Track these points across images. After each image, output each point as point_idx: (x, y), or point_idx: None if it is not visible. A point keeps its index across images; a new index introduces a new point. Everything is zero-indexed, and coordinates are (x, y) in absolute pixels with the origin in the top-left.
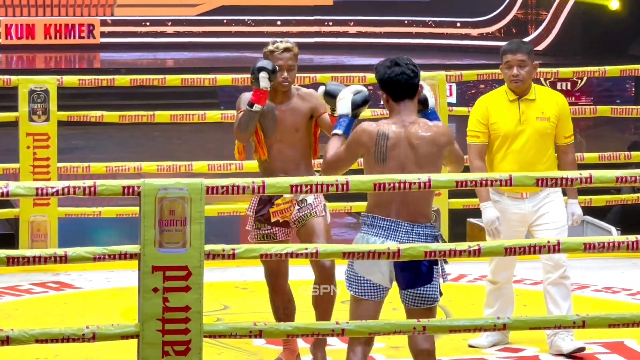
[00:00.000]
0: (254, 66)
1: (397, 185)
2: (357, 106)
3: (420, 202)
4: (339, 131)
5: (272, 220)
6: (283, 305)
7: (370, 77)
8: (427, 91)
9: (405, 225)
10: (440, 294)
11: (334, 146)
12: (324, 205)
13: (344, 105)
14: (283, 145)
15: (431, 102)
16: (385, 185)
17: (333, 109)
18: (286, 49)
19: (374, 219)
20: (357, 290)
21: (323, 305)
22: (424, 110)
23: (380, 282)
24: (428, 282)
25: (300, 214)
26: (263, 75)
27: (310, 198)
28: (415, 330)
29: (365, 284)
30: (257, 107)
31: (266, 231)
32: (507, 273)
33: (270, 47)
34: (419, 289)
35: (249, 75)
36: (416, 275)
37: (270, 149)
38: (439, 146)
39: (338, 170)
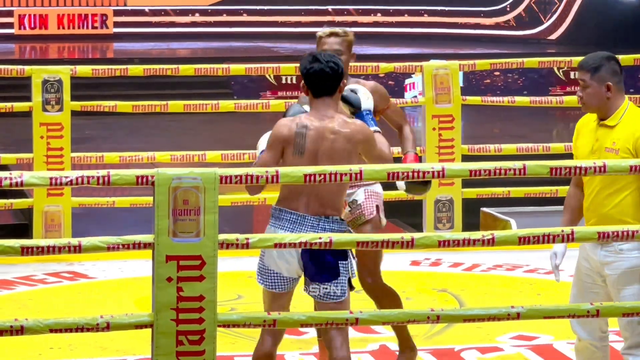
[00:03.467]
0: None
1: (410, 174)
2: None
3: (330, 195)
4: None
5: None
6: None
7: (383, 66)
8: (361, 94)
9: (312, 219)
10: (352, 288)
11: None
12: (376, 204)
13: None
14: None
15: (366, 104)
16: (399, 174)
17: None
18: (332, 33)
19: (281, 212)
20: (267, 283)
21: None
22: (357, 112)
23: (289, 274)
24: (334, 278)
25: (353, 216)
26: None
27: (360, 198)
28: (429, 320)
29: (274, 277)
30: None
31: None
32: (589, 328)
33: (319, 32)
34: (325, 284)
35: (261, 65)
36: (321, 269)
37: None
38: (354, 143)
39: None
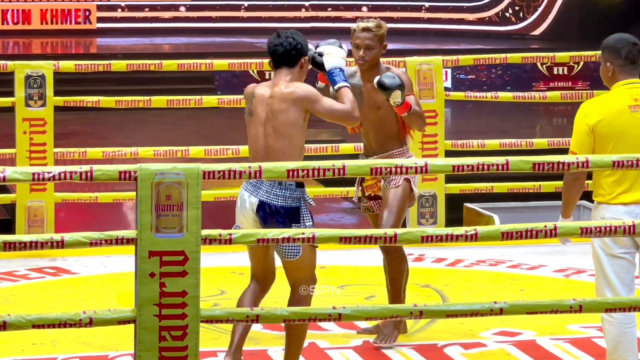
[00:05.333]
0: None
1: (393, 169)
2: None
3: (281, 160)
4: None
5: (367, 193)
6: None
7: None
8: (325, 54)
9: (267, 184)
10: (315, 245)
11: None
12: (406, 177)
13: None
14: (367, 122)
15: (330, 63)
16: (382, 169)
17: (387, 99)
18: (364, 29)
19: None
20: None
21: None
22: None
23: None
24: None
25: (384, 184)
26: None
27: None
28: (412, 315)
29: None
30: (318, 84)
31: (365, 204)
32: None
33: (353, 26)
34: (280, 243)
35: (244, 61)
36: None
37: (362, 125)
38: (289, 101)
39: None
